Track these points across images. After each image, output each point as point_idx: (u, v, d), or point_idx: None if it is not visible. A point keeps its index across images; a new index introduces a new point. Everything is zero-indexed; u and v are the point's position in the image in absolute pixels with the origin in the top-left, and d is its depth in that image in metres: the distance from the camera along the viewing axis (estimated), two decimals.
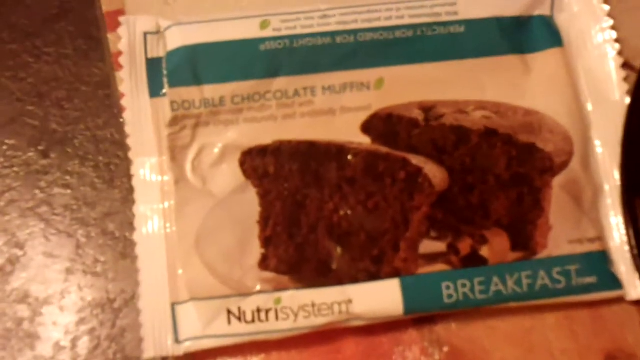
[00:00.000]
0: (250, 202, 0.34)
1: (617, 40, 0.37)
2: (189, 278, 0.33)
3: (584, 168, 0.35)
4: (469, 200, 0.35)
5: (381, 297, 0.33)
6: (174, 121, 0.34)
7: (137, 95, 0.35)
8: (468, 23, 0.37)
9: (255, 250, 0.33)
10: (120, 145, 0.36)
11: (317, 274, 0.33)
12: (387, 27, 0.36)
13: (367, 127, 0.35)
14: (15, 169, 0.37)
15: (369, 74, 0.36)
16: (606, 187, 0.35)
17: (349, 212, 0.34)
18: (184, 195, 0.34)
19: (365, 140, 0.35)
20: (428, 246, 0.34)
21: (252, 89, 0.35)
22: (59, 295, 0.35)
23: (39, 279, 0.35)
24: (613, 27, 0.38)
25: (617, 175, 0.35)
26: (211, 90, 0.34)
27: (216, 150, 0.34)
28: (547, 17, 0.38)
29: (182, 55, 0.35)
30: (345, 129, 0.35)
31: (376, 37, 0.36)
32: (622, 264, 0.34)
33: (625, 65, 0.38)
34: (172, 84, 0.35)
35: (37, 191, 0.36)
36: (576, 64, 0.37)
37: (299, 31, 0.36)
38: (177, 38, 0.35)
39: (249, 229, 0.34)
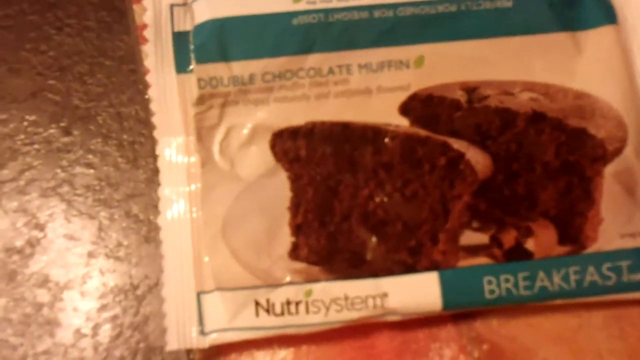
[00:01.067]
0: (280, 187, 0.32)
1: None
2: (215, 266, 0.31)
3: (639, 156, 0.33)
4: (514, 190, 0.33)
5: (418, 291, 0.31)
6: (200, 100, 0.32)
7: (163, 71, 0.33)
8: None
9: (285, 239, 0.32)
10: (145, 124, 0.35)
11: (350, 265, 0.31)
12: (429, 0, 0.34)
13: (405, 109, 0.33)
14: (35, 146, 0.35)
15: (408, 52, 0.33)
16: None
17: (385, 199, 0.32)
18: (210, 178, 0.32)
19: (403, 123, 0.33)
20: (469, 238, 0.32)
21: (284, 66, 0.33)
22: (80, 280, 0.33)
23: (60, 262, 0.34)
24: None
25: None
26: (240, 67, 0.32)
27: (245, 131, 0.32)
28: None
29: (209, 29, 0.33)
30: (382, 110, 0.33)
31: (417, 11, 0.34)
32: None
33: None
34: (200, 60, 0.33)
35: (58, 170, 0.35)
36: (632, 43, 0.35)
37: (334, 4, 0.33)
38: (205, 11, 0.33)
39: (278, 216, 0.32)
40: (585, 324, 0.32)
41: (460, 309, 0.31)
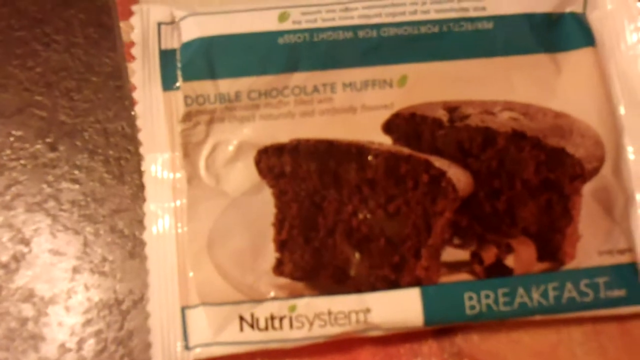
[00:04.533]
0: (265, 203, 0.32)
1: None
2: (200, 281, 0.31)
3: (616, 175, 0.33)
4: (494, 207, 0.33)
5: (401, 306, 0.31)
6: (187, 116, 0.33)
7: (150, 88, 0.34)
8: (497, 19, 0.35)
9: (270, 254, 0.32)
10: (131, 140, 0.35)
11: (334, 280, 0.32)
12: (412, 21, 0.35)
13: (388, 127, 0.34)
14: (22, 161, 0.35)
15: (391, 71, 0.34)
16: (638, 196, 0.33)
17: (369, 215, 0.32)
18: (196, 193, 0.32)
19: (386, 141, 0.33)
20: (451, 254, 0.32)
21: (270, 84, 0.33)
22: (64, 295, 0.34)
23: (45, 277, 0.34)
24: None
25: None
26: (227, 85, 0.33)
27: (231, 148, 0.33)
28: (580, 14, 0.36)
29: (197, 47, 0.33)
30: (366, 128, 0.33)
31: (400, 32, 0.34)
32: None
33: None
34: (186, 78, 0.33)
35: (44, 185, 0.35)
36: (609, 64, 0.35)
37: (319, 24, 0.34)
38: (193, 29, 0.34)
39: (263, 232, 0.32)
40: (565, 339, 0.33)
41: (441, 325, 0.32)
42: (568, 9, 0.36)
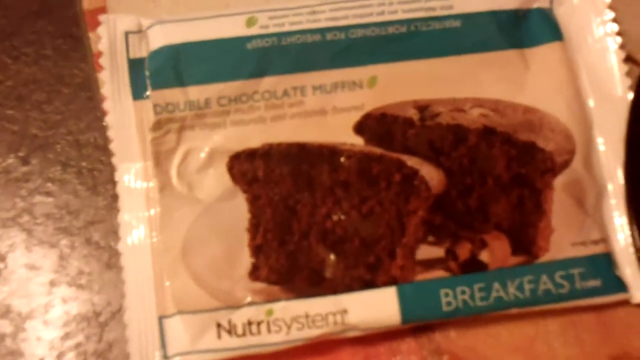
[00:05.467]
0: (239, 209, 0.32)
1: (619, 33, 0.36)
2: (176, 290, 0.31)
3: (586, 167, 0.34)
4: (467, 203, 0.33)
5: (377, 306, 0.31)
6: (157, 125, 0.33)
7: (120, 98, 0.34)
8: (464, 17, 0.35)
9: (245, 260, 0.32)
10: (103, 150, 0.35)
11: (310, 283, 0.32)
12: (380, 22, 0.35)
13: (360, 128, 0.34)
14: None
15: (361, 72, 0.34)
16: (610, 187, 0.34)
17: (343, 217, 0.32)
18: (169, 202, 0.32)
19: (358, 142, 0.34)
20: (425, 252, 0.32)
21: (239, 89, 0.33)
22: (42, 309, 0.33)
23: (21, 292, 0.34)
24: (614, 20, 0.36)
25: (620, 174, 0.33)
26: (196, 92, 0.33)
27: (202, 155, 0.33)
28: (547, 9, 0.36)
29: (165, 55, 0.33)
30: (338, 130, 0.33)
31: (368, 33, 0.35)
32: (627, 267, 0.32)
33: (628, 59, 0.36)
34: (155, 86, 0.33)
35: (17, 200, 0.35)
36: (577, 58, 0.36)
37: (287, 28, 0.34)
38: (160, 37, 0.34)
39: (238, 237, 0.32)
40: (542, 331, 0.33)
41: (418, 322, 0.32)
42: (535, 5, 0.36)
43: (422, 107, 0.35)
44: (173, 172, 0.33)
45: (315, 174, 0.33)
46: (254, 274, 0.32)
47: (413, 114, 0.34)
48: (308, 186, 0.33)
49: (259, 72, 0.34)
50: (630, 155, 0.33)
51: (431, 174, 0.33)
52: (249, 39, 0.34)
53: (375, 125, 0.34)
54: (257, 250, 0.32)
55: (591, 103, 0.35)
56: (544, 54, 0.35)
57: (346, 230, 0.32)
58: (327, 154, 0.33)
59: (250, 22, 0.34)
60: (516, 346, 0.33)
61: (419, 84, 0.35)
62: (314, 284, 0.32)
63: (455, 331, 0.33)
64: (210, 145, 0.33)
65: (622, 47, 0.36)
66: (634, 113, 0.33)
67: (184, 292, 0.31)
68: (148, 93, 0.33)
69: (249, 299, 0.31)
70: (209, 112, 0.33)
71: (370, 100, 0.34)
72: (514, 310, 0.32)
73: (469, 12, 0.36)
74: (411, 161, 0.33)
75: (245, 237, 0.32)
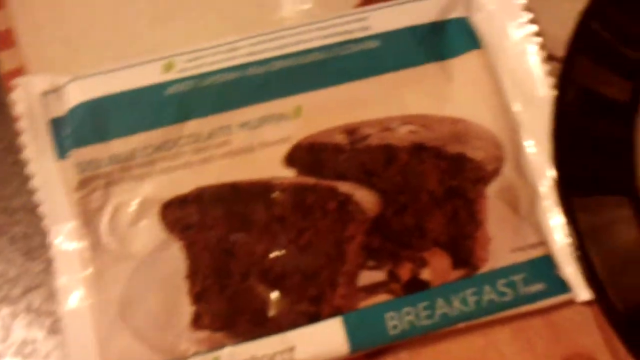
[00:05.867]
0: (175, 258, 0.32)
1: (537, 34, 0.36)
2: (119, 349, 0.31)
3: (518, 172, 0.34)
4: (404, 222, 0.33)
5: (324, 338, 0.31)
6: (82, 184, 0.32)
7: (43, 160, 0.33)
8: (382, 37, 0.36)
9: (186, 309, 0.32)
10: (34, 214, 0.34)
11: (255, 324, 0.32)
12: (298, 52, 0.35)
13: (290, 160, 0.34)
14: None
15: (285, 104, 0.34)
16: (542, 189, 0.34)
17: (281, 252, 0.32)
18: (102, 261, 0.32)
19: (290, 174, 0.33)
20: (367, 277, 0.32)
21: (163, 137, 0.33)
22: None
23: None
24: (532, 21, 0.37)
25: (550, 174, 0.34)
26: (119, 145, 0.33)
27: (133, 208, 0.33)
28: (464, 19, 0.37)
29: (83, 111, 0.33)
30: (268, 165, 0.33)
31: (287, 64, 0.35)
32: (568, 266, 0.33)
33: (550, 58, 0.37)
34: (76, 144, 0.33)
35: None
36: (498, 64, 0.36)
37: (206, 69, 0.34)
38: (77, 93, 0.33)
39: (176, 287, 0.32)
40: (493, 341, 0.33)
41: (367, 349, 0.32)
42: (451, 16, 0.36)
43: (351, 131, 0.35)
44: (103, 229, 0.32)
45: (249, 212, 0.33)
46: (197, 322, 0.32)
47: (342, 139, 0.34)
48: (243, 225, 0.33)
49: (182, 116, 0.33)
50: (558, 153, 0.33)
51: (366, 197, 0.33)
52: (167, 84, 0.34)
53: (305, 156, 0.34)
54: (197, 297, 0.32)
55: (517, 107, 0.36)
56: (464, 64, 0.36)
57: (286, 265, 0.32)
58: (260, 190, 0.33)
59: (167, 68, 0.34)
60: (468, 359, 0.33)
61: (345, 109, 0.35)
62: (258, 324, 0.32)
63: (407, 352, 0.33)
64: (140, 197, 0.33)
65: (542, 47, 0.36)
66: (559, 109, 0.34)
67: (127, 350, 0.31)
68: (70, 152, 0.33)
69: (193, 350, 0.31)
70: (135, 163, 0.33)
71: (297, 131, 0.34)
72: (461, 325, 0.32)
73: (386, 31, 0.36)
74: (344, 187, 0.33)
75: (184, 286, 0.32)
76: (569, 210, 0.32)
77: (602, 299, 0.31)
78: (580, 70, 0.35)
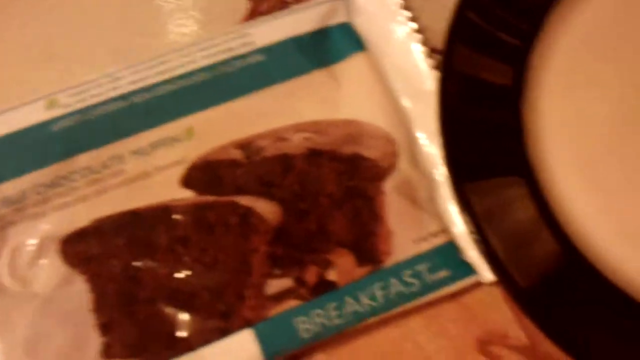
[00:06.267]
0: (79, 292, 0.32)
1: (418, 30, 0.37)
2: None
3: (413, 165, 0.35)
4: (306, 228, 0.34)
5: (237, 351, 0.31)
6: None
7: None
8: (266, 50, 0.36)
9: (95, 341, 0.31)
10: None
11: (166, 347, 0.32)
12: (182, 74, 0.35)
13: (187, 181, 0.34)
14: None
15: (176, 127, 0.34)
16: (439, 178, 0.35)
17: (187, 273, 0.32)
18: (5, 303, 0.32)
19: (189, 195, 0.34)
20: (275, 285, 0.33)
21: (54, 173, 0.33)
22: None
23: None
24: (412, 19, 0.38)
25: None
26: (10, 187, 0.33)
27: (31, 247, 0.32)
28: (345, 23, 0.37)
29: None
30: (165, 189, 0.34)
31: (173, 87, 0.35)
32: (471, 250, 0.33)
33: (433, 51, 0.37)
34: None
35: None
36: (383, 63, 0.37)
37: (90, 102, 0.34)
38: None
39: (83, 320, 0.32)
40: (406, 332, 0.33)
41: (282, 356, 0.32)
42: (333, 22, 0.37)
43: (245, 145, 0.35)
44: (3, 272, 0.32)
45: (151, 237, 0.33)
46: (107, 353, 0.32)
47: (237, 154, 0.35)
48: (147, 251, 0.33)
49: (71, 151, 0.33)
50: (446, 142, 0.34)
51: (267, 208, 0.34)
52: (52, 121, 0.34)
53: (201, 175, 0.34)
54: (105, 328, 0.32)
55: (407, 102, 0.36)
56: (350, 67, 0.36)
57: (193, 285, 0.32)
58: (159, 214, 0.33)
59: (50, 105, 0.34)
60: (385, 352, 0.33)
61: (237, 124, 0.35)
62: (169, 347, 0.32)
63: (323, 353, 0.33)
64: (38, 235, 0.32)
65: (424, 42, 0.37)
66: (442, 99, 0.34)
67: None
68: None
69: None
70: (28, 203, 0.33)
71: (191, 152, 0.34)
72: (373, 319, 0.33)
73: (270, 44, 0.36)
74: (245, 200, 0.34)
75: (90, 318, 0.32)
76: (462, 196, 0.33)
77: (504, 279, 0.32)
78: (460, 59, 0.35)
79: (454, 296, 0.34)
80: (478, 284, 0.34)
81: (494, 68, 0.36)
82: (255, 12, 0.39)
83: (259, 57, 0.36)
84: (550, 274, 0.32)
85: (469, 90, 0.35)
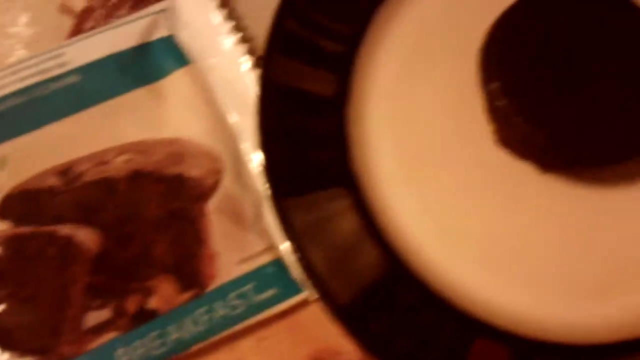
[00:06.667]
0: None
1: (245, 40, 0.37)
2: None
3: (239, 182, 0.34)
4: (130, 254, 0.33)
5: None
6: None
7: None
8: (82, 70, 0.35)
9: None
10: None
11: None
12: None
13: (2, 212, 0.33)
14: None
15: None
16: (264, 194, 0.34)
17: (2, 308, 0.31)
18: None
19: (5, 227, 0.32)
20: (94, 317, 0.32)
21: None
22: None
23: None
24: (238, 29, 0.37)
25: None
26: None
27: None
28: (168, 37, 0.36)
29: None
30: None
31: None
32: (296, 267, 0.33)
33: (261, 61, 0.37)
34: None
35: None
36: (209, 77, 0.36)
37: None
38: None
39: None
40: (237, 355, 0.33)
41: None
42: (155, 37, 0.36)
43: (63, 171, 0.34)
44: None
45: None
46: None
47: (55, 180, 0.34)
48: None
49: None
50: (265, 156, 0.33)
51: (87, 236, 0.33)
52: None
53: (18, 205, 0.33)
54: None
55: (234, 117, 0.36)
56: (173, 83, 0.36)
57: (8, 322, 0.31)
58: None
59: None
60: None
61: (55, 150, 0.34)
62: None
63: None
64: None
65: (251, 53, 0.37)
66: (262, 112, 0.34)
67: None
68: None
69: None
70: None
71: (6, 182, 0.33)
72: (199, 345, 0.32)
73: (86, 63, 0.35)
74: (64, 229, 0.33)
75: None
76: (281, 212, 0.33)
77: (324, 296, 0.31)
78: (280, 69, 0.35)
79: (283, 315, 0.34)
80: (306, 302, 0.34)
81: (316, 76, 0.35)
82: (78, 30, 0.38)
83: (75, 78, 0.35)
84: (372, 286, 0.32)
85: (290, 101, 0.35)
